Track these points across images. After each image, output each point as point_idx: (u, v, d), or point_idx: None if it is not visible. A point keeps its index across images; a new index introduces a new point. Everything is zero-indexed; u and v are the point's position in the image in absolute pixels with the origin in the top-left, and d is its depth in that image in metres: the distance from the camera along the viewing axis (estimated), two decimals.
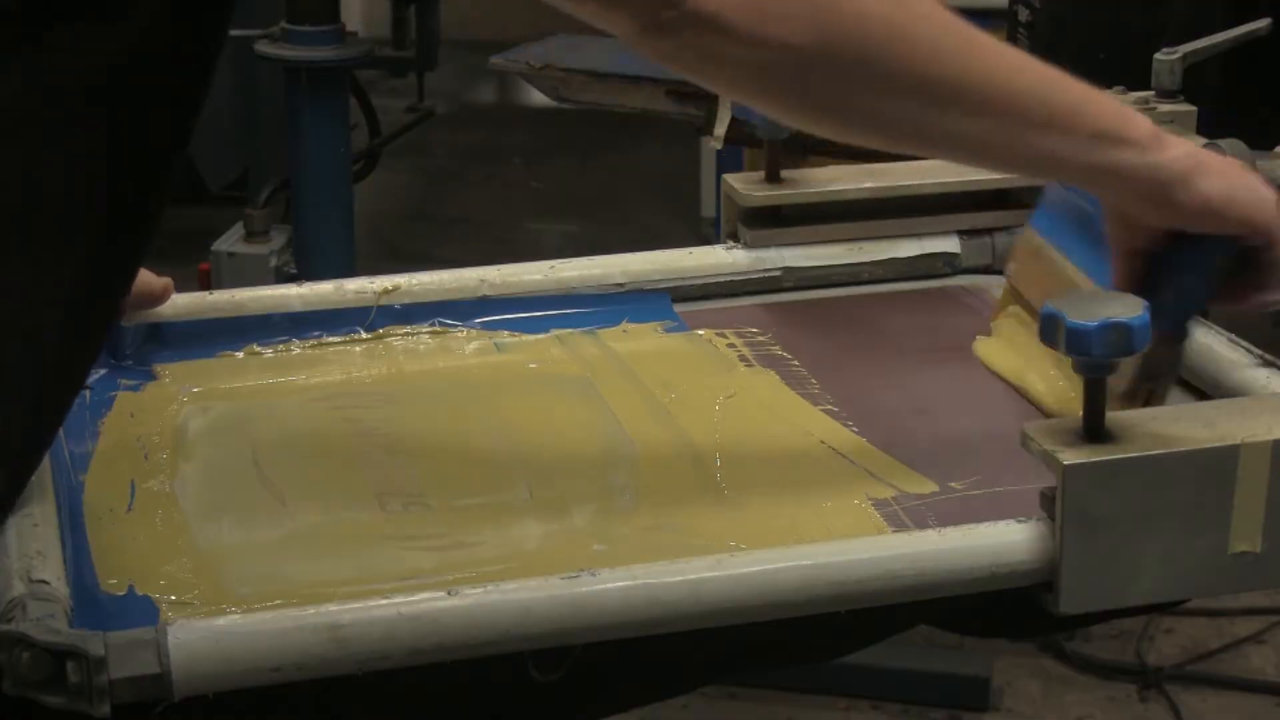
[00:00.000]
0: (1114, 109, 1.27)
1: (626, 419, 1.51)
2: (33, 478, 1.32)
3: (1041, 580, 1.26)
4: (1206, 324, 1.57)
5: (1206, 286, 1.24)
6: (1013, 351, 1.57)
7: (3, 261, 1.12)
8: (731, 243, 1.78)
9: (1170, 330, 1.23)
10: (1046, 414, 1.45)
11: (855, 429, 1.51)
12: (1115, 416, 1.27)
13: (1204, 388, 1.52)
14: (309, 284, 1.67)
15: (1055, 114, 1.25)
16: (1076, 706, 3.02)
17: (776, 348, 1.65)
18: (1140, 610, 1.35)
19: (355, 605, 1.16)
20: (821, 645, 1.35)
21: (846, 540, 1.28)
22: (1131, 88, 1.82)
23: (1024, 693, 3.05)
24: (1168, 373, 1.24)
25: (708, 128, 2.53)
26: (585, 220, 5.23)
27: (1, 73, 1.09)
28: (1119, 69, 2.15)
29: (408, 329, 1.66)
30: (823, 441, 1.49)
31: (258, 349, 1.62)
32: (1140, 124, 1.27)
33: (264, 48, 3.53)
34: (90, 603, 1.23)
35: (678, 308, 1.72)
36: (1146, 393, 1.24)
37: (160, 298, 1.56)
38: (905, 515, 1.37)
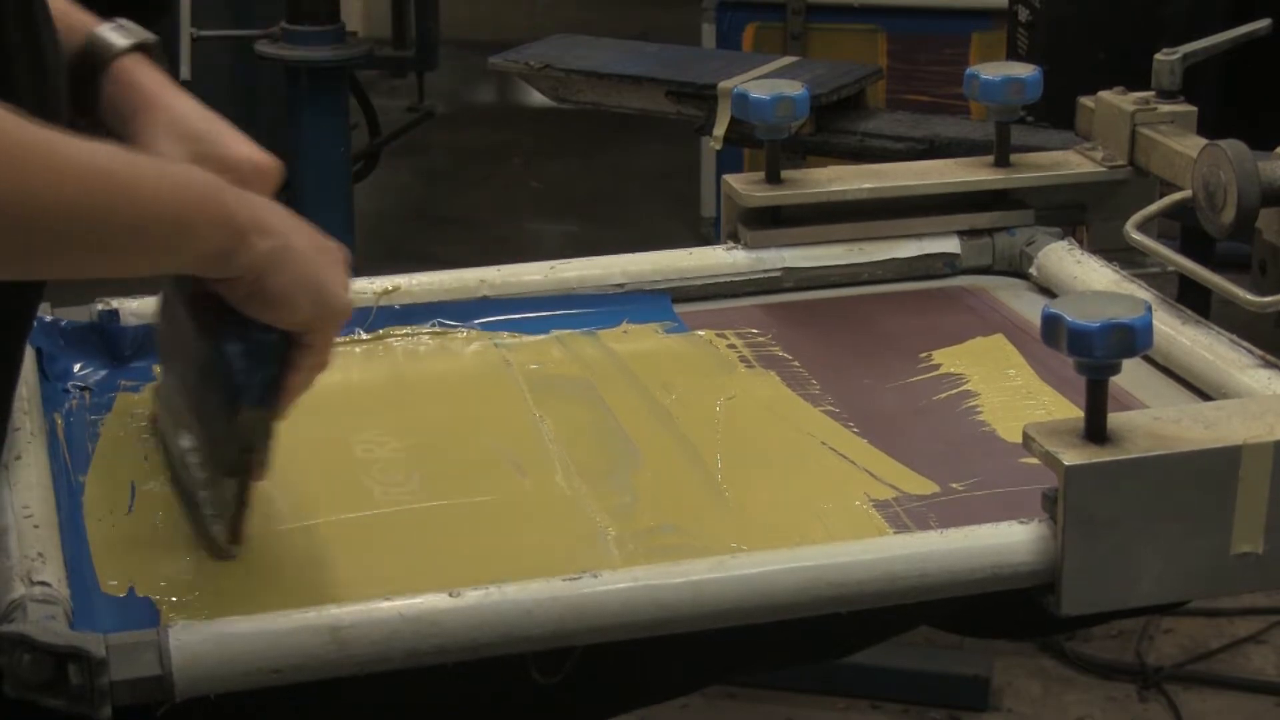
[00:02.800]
0: (216, 211, 1.21)
1: (627, 420, 1.51)
2: (33, 477, 1.32)
3: (1043, 581, 1.26)
4: (1207, 324, 1.57)
5: (278, 362, 1.26)
6: None
7: None
8: (731, 243, 1.78)
9: (256, 398, 1.26)
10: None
11: (856, 430, 1.50)
12: (1117, 417, 1.27)
13: (1205, 389, 1.52)
14: None
15: (156, 233, 1.19)
16: (1076, 706, 3.02)
17: (777, 348, 1.65)
18: (1142, 611, 1.35)
19: (356, 607, 1.16)
20: (823, 646, 1.35)
21: (847, 542, 1.28)
22: (1131, 88, 1.82)
23: (1024, 693, 3.04)
24: (261, 440, 1.27)
25: (708, 128, 2.53)
26: (585, 220, 5.23)
27: None
28: (1119, 69, 2.15)
29: (408, 329, 1.65)
30: (823, 442, 1.49)
31: None
32: (232, 222, 1.21)
33: (264, 48, 3.53)
34: (91, 604, 1.23)
35: (678, 308, 1.72)
36: (245, 462, 1.27)
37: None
38: (906, 516, 1.37)
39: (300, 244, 1.26)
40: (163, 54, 1.45)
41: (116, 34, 1.41)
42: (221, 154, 1.36)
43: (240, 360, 1.26)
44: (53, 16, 1.39)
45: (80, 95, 1.40)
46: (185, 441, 1.36)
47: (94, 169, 1.14)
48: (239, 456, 1.27)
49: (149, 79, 1.41)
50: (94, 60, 1.40)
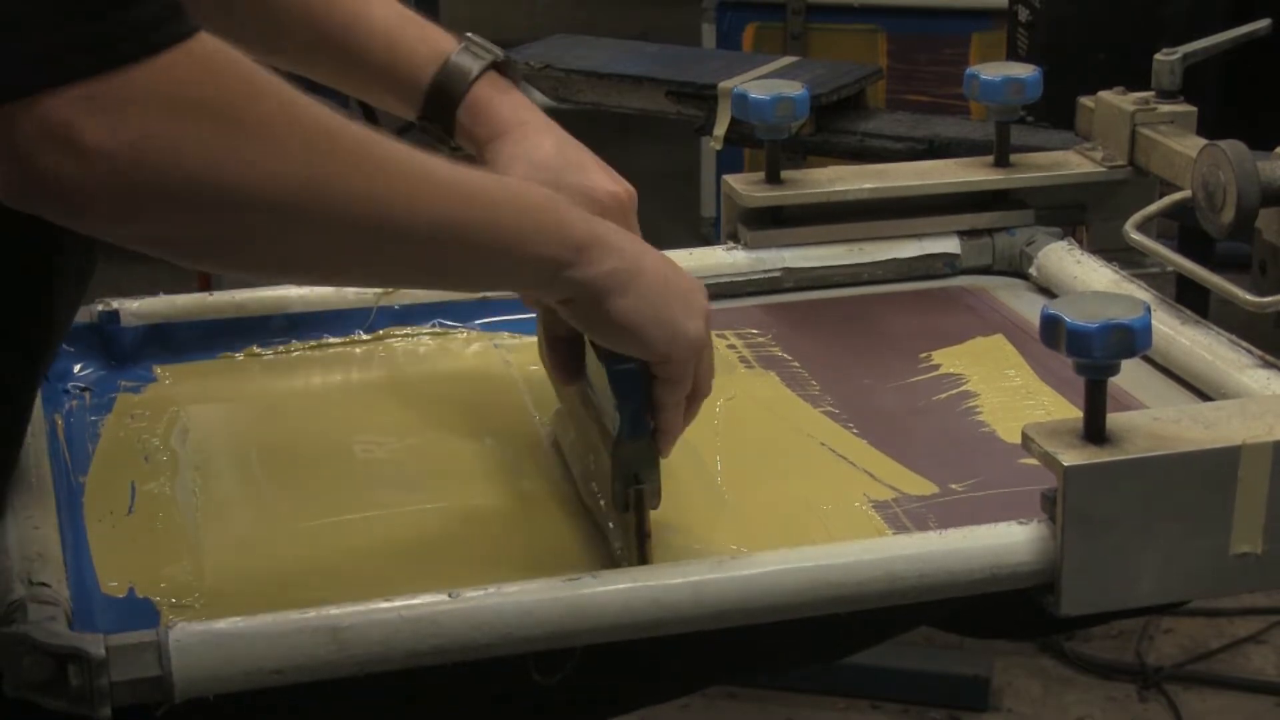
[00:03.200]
0: (551, 223, 1.20)
1: None
2: (32, 479, 1.32)
3: (1042, 582, 1.26)
4: (1206, 324, 1.57)
5: (642, 392, 1.25)
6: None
7: None
8: (732, 243, 1.78)
9: (627, 431, 1.25)
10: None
11: (855, 430, 1.50)
12: (1116, 418, 1.27)
13: (1205, 389, 1.52)
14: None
15: (492, 243, 1.18)
16: (1076, 706, 3.02)
17: (777, 349, 1.65)
18: (1141, 611, 1.35)
19: (356, 607, 1.16)
20: (822, 647, 1.35)
21: (847, 542, 1.28)
22: (1131, 88, 1.82)
23: (1024, 693, 3.05)
24: (646, 472, 1.26)
25: (708, 128, 2.53)
26: None
27: None
28: (1119, 69, 2.15)
29: (408, 330, 1.66)
30: (823, 443, 1.49)
31: (258, 350, 1.62)
32: (569, 235, 1.20)
33: None
34: (91, 605, 1.23)
35: None
36: (636, 495, 1.26)
37: None
38: (905, 517, 1.37)
39: (650, 270, 1.23)
40: (517, 68, 1.45)
41: (469, 58, 1.42)
42: (574, 182, 1.37)
43: (606, 393, 1.26)
44: (409, 38, 1.41)
45: (438, 122, 1.42)
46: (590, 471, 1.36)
47: (409, 167, 1.13)
48: (624, 490, 1.26)
49: (505, 105, 1.41)
50: (451, 88, 1.41)
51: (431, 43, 1.43)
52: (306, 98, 1.09)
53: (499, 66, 1.44)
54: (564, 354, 1.35)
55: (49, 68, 0.98)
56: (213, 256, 1.11)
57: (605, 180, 1.40)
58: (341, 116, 1.10)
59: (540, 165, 1.38)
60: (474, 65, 1.42)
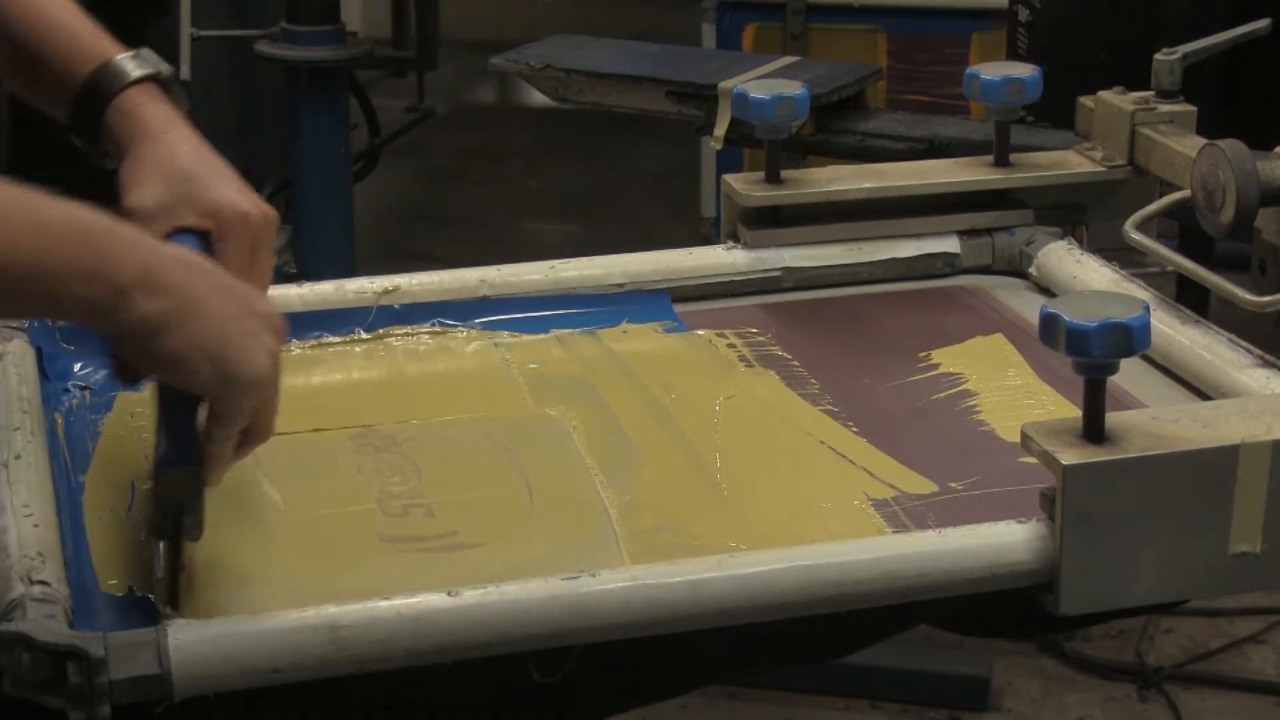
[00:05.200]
0: (90, 263, 1.16)
1: (626, 420, 1.51)
2: (33, 477, 1.32)
3: (1041, 581, 1.26)
4: (1206, 324, 1.57)
5: (189, 418, 1.23)
6: None
7: None
8: (731, 243, 1.78)
9: (171, 457, 1.22)
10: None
11: (855, 429, 1.51)
12: (1115, 417, 1.28)
13: (1204, 388, 1.52)
14: (309, 284, 1.67)
15: (24, 280, 1.15)
16: (1076, 706, 3.02)
17: (776, 348, 1.65)
18: (1140, 610, 1.35)
19: (355, 606, 1.16)
20: (821, 646, 1.35)
21: (846, 541, 1.28)
22: (1131, 88, 1.82)
23: (1024, 693, 3.05)
24: (188, 502, 1.22)
25: (708, 128, 2.53)
26: (585, 220, 5.23)
27: None
28: (1119, 69, 2.15)
29: (408, 329, 1.66)
30: (822, 442, 1.49)
31: None
32: (110, 278, 1.16)
33: (264, 48, 3.52)
34: (90, 603, 1.23)
35: (678, 308, 1.72)
36: (175, 526, 1.22)
37: None
38: (905, 516, 1.37)
39: (211, 307, 1.20)
40: (179, 88, 1.44)
41: (131, 64, 1.40)
42: (203, 197, 1.34)
43: (158, 417, 1.24)
44: (71, 38, 1.39)
45: (86, 123, 1.40)
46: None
47: None
48: (161, 518, 1.22)
49: (152, 112, 1.39)
50: (103, 88, 1.39)
51: (100, 44, 1.41)
52: None
53: (162, 82, 1.42)
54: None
55: None
56: None
57: (235, 198, 1.36)
58: None
59: (171, 175, 1.35)
60: (134, 71, 1.40)
